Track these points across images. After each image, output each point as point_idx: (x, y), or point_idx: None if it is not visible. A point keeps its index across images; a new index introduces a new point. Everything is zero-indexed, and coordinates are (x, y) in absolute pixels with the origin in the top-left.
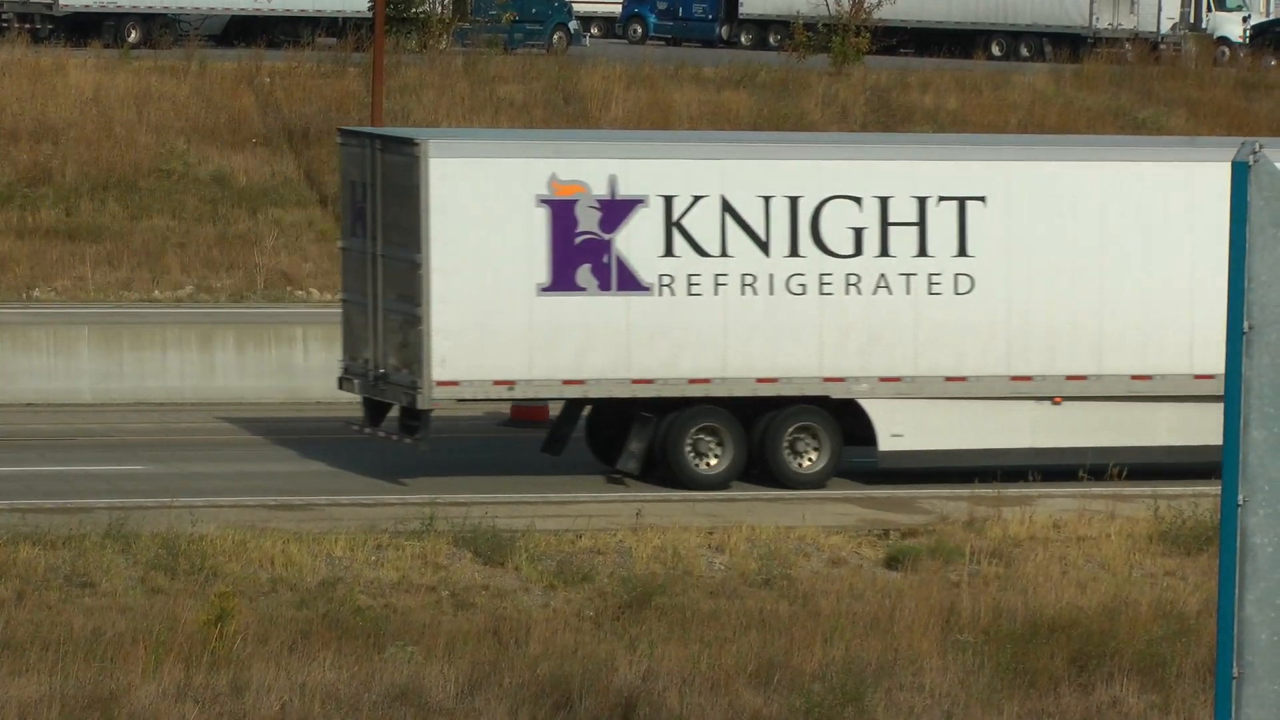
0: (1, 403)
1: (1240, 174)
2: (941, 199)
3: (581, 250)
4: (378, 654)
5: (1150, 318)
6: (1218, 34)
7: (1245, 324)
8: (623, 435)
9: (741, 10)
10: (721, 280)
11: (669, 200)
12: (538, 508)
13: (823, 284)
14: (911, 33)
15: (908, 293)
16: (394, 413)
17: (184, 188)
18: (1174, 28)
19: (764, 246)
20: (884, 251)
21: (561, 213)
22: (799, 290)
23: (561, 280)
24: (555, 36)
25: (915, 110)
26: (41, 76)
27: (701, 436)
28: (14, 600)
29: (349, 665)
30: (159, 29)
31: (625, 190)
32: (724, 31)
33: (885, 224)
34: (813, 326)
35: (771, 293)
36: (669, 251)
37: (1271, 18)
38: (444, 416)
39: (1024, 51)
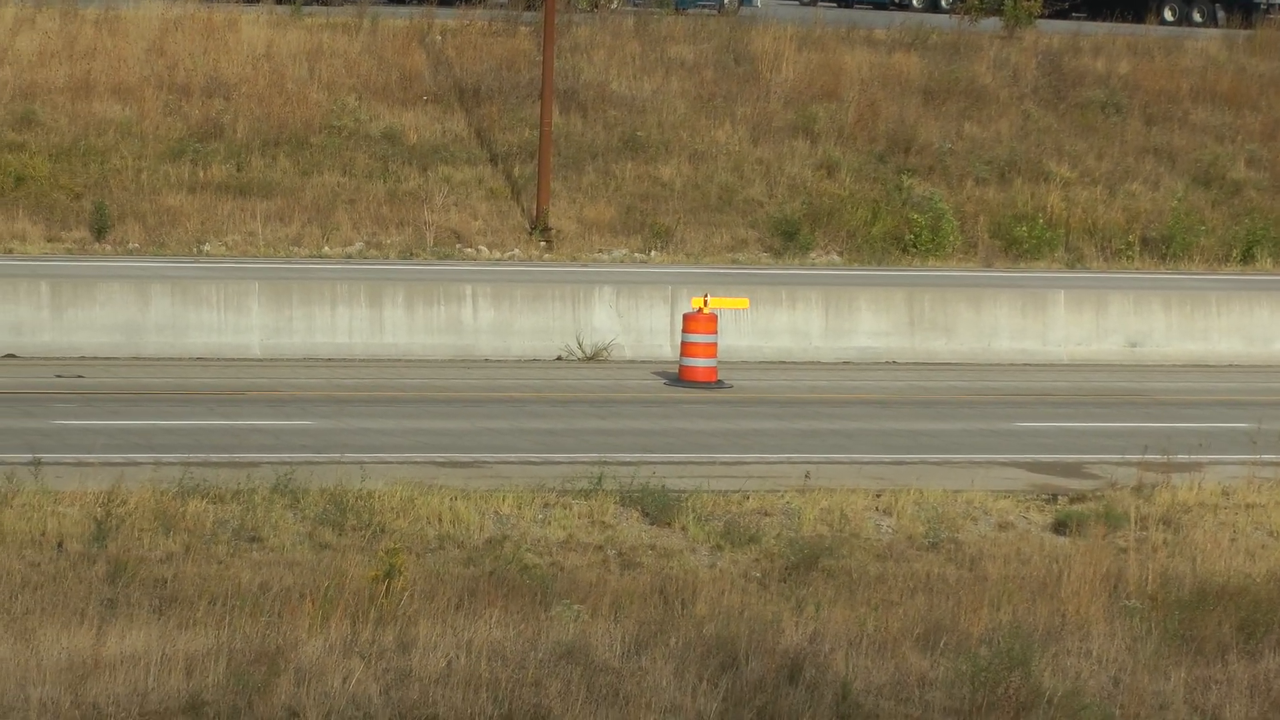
0: (171, 357)
1: None
2: None
3: None
4: (544, 612)
5: None
6: None
7: None
8: None
9: None
10: None
11: None
12: (705, 468)
13: None
14: None
15: None
16: None
17: (354, 145)
18: None
19: None
20: None
21: None
22: None
23: None
24: None
25: (1087, 75)
26: (214, 32)
27: None
28: (182, 554)
29: (515, 623)
30: None
31: None
32: None
33: None
34: None
35: None
36: None
37: None
38: (611, 376)
39: (1196, 17)
